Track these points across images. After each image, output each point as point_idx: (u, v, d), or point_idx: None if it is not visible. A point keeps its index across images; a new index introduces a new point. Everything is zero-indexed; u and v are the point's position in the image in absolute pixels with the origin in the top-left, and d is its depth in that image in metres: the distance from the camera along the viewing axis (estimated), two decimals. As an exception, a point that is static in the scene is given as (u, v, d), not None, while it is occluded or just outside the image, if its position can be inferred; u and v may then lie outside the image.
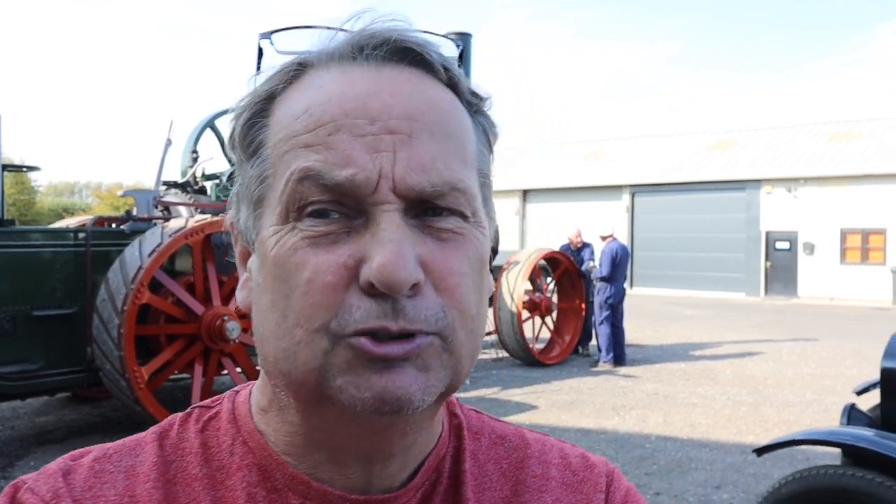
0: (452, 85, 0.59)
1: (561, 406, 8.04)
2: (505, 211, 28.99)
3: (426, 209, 0.55)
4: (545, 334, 11.52)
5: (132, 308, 6.01)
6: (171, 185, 8.23)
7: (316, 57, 0.59)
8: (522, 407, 8.01)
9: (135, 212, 7.61)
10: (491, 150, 0.64)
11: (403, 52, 0.57)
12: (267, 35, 0.63)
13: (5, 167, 6.54)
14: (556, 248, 11.57)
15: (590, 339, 11.58)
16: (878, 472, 2.92)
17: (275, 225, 0.56)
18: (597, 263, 11.04)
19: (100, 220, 7.54)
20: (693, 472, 5.84)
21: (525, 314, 10.73)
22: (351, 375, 0.52)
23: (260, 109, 0.59)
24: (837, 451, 3.41)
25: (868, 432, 3.11)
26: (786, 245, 23.93)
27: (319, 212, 0.54)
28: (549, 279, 11.42)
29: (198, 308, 6.50)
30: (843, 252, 23.25)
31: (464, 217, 0.56)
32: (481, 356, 11.29)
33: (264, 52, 0.64)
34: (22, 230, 6.59)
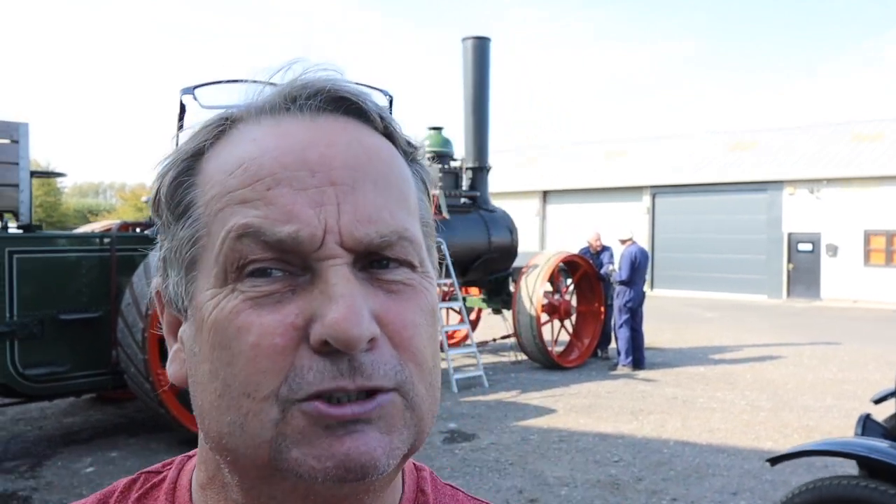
0: (388, 134, 0.58)
1: (579, 410, 8.06)
2: (525, 212, 28.94)
3: (372, 261, 0.53)
4: (564, 337, 11.53)
5: (156, 312, 6.11)
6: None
7: (245, 110, 0.56)
8: (541, 410, 8.04)
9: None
10: (429, 199, 0.62)
11: (338, 102, 0.56)
12: (189, 90, 0.61)
13: (33, 173, 6.69)
14: (576, 251, 11.59)
15: (609, 342, 11.58)
16: (891, 485, 2.93)
17: (212, 288, 0.52)
18: (616, 267, 11.04)
19: (124, 225, 7.67)
20: (710, 478, 5.85)
21: (544, 317, 10.75)
22: (307, 446, 0.49)
23: (186, 168, 0.56)
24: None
25: (883, 444, 3.12)
26: (808, 247, 23.69)
27: (261, 270, 0.51)
28: (568, 282, 11.43)
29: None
30: (867, 254, 22.98)
31: (412, 267, 0.54)
32: (500, 359, 11.36)
33: (187, 107, 0.62)
34: (49, 235, 6.74)
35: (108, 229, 7.84)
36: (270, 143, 0.53)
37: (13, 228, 6.87)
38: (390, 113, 0.60)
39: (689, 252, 25.79)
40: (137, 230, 7.63)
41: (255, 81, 0.57)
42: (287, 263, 0.51)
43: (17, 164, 6.28)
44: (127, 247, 6.80)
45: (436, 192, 10.53)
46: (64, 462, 6.20)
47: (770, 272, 24.15)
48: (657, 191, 26.61)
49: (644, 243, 25.90)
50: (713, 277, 25.31)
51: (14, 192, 6.31)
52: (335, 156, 0.53)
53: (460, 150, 11.78)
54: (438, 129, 11.62)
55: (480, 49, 11.52)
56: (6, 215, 6.58)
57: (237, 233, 0.51)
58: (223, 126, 0.57)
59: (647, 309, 18.10)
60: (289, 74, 0.57)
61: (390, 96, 0.64)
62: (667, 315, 18.17)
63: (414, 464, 0.68)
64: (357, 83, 0.58)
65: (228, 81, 0.59)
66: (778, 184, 24.04)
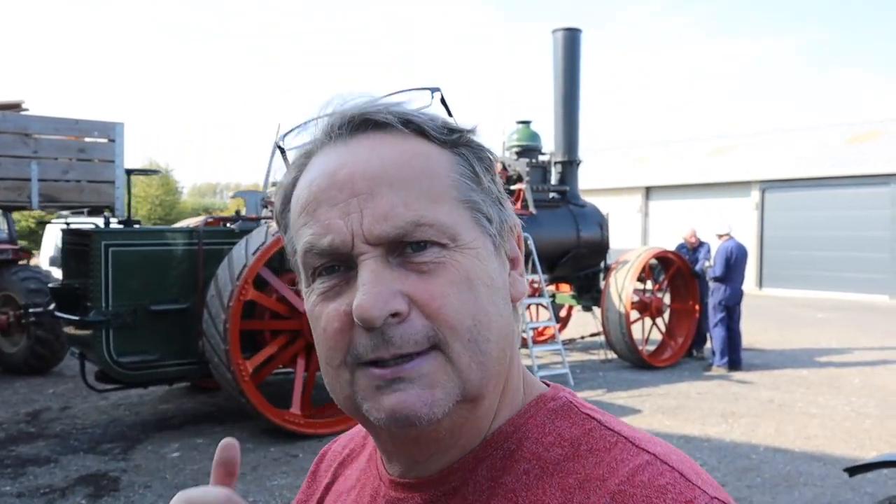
0: (420, 132, 0.68)
1: (666, 411, 7.75)
2: (627, 209, 28.24)
3: (406, 247, 0.64)
4: (657, 336, 11.13)
5: (237, 304, 6.31)
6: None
7: (312, 147, 0.71)
8: (625, 410, 7.78)
9: (244, 212, 7.99)
10: (487, 171, 0.71)
11: (364, 123, 0.68)
12: (282, 137, 0.76)
13: (128, 171, 7.04)
14: (673, 247, 11.17)
15: (704, 341, 11.08)
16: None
17: (305, 287, 0.70)
18: (711, 263, 10.56)
19: (213, 221, 7.96)
20: (801, 488, 5.47)
21: (634, 315, 10.42)
22: (369, 400, 0.64)
23: (284, 197, 0.72)
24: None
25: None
26: (937, 244, 21.93)
27: (327, 269, 0.66)
28: (661, 279, 11.02)
29: (300, 305, 6.73)
30: None
31: (441, 246, 0.64)
32: (590, 357, 11.10)
33: (285, 149, 0.76)
34: (143, 230, 7.08)
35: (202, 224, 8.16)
36: (316, 172, 0.68)
37: (114, 223, 7.27)
38: (443, 105, 0.73)
39: (802, 249, 24.38)
40: (227, 225, 7.90)
41: (318, 118, 0.71)
42: (340, 262, 0.65)
43: (112, 161, 6.63)
44: (214, 241, 7.05)
45: (522, 186, 10.39)
46: (154, 446, 6.50)
47: (893, 271, 22.50)
48: (766, 186, 25.30)
49: (752, 240, 24.71)
50: (829, 276, 23.83)
51: (111, 188, 6.67)
52: (356, 171, 0.65)
53: (549, 145, 11.57)
54: (527, 122, 11.45)
55: (571, 40, 11.27)
56: (106, 211, 6.97)
57: (303, 249, 0.67)
58: (304, 162, 0.71)
59: (753, 308, 17.30)
60: (329, 109, 0.70)
61: (436, 90, 0.73)
62: (773, 315, 17.25)
63: (541, 399, 0.73)
64: (395, 92, 0.71)
65: (298, 126, 0.73)
66: (902, 176, 22.37)
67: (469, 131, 0.71)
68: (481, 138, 0.72)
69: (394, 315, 0.62)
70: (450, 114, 0.73)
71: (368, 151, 0.66)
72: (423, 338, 0.62)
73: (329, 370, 0.67)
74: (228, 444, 0.70)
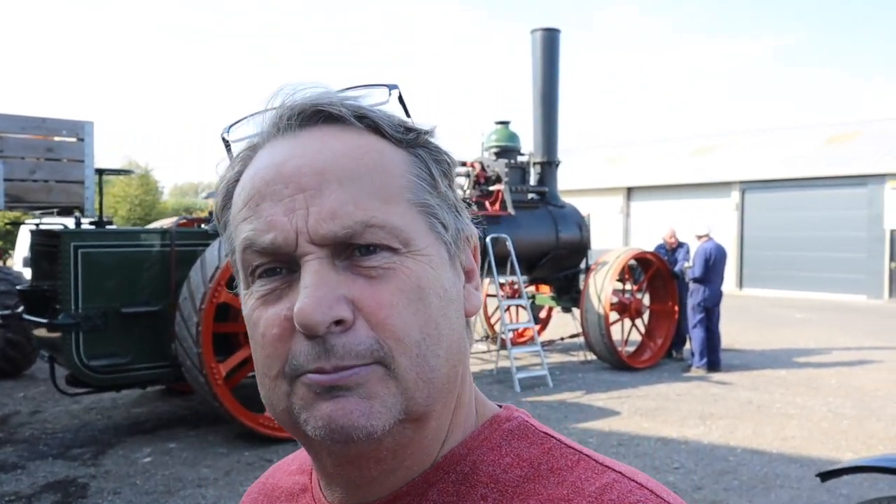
0: (375, 129, 0.63)
1: (644, 413, 7.73)
2: (608, 209, 28.32)
3: (355, 249, 0.59)
4: (636, 337, 11.13)
5: (210, 306, 6.21)
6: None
7: (258, 139, 0.66)
8: (604, 412, 7.76)
9: (218, 213, 7.86)
10: (445, 175, 0.66)
11: (315, 115, 0.63)
12: (227, 129, 0.70)
13: (98, 171, 6.91)
14: (652, 248, 11.17)
15: (684, 342, 11.11)
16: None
17: (244, 290, 0.64)
18: (690, 264, 10.57)
19: (185, 221, 7.84)
20: (777, 490, 5.46)
21: (613, 316, 10.41)
22: (307, 410, 0.58)
23: (226, 193, 0.67)
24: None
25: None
26: (914, 244, 22.16)
27: (267, 271, 0.60)
28: (640, 280, 11.01)
29: (275, 307, 6.64)
30: (980, 252, 21.31)
31: (392, 250, 0.59)
32: (570, 358, 11.07)
33: (230, 142, 0.70)
34: (113, 231, 6.94)
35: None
36: (262, 164, 0.62)
37: (87, 224, 7.12)
38: (401, 103, 0.67)
39: (781, 250, 24.57)
40: (200, 226, 7.78)
41: (262, 111, 0.65)
42: (282, 263, 0.60)
43: (82, 161, 6.50)
44: (187, 242, 6.93)
45: (500, 187, 10.34)
46: (125, 451, 6.38)
47: (870, 272, 22.72)
48: (746, 186, 25.47)
49: (732, 241, 24.87)
50: (807, 277, 24.03)
51: (80, 188, 6.54)
52: (304, 164, 0.60)
53: (528, 145, 11.53)
54: (505, 123, 11.41)
55: (549, 41, 11.24)
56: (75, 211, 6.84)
57: (242, 245, 0.61)
58: (249, 155, 0.66)
59: (733, 309, 17.37)
60: (277, 100, 0.65)
61: (394, 88, 0.67)
62: (753, 315, 17.34)
63: (495, 420, 0.69)
64: (350, 87, 0.66)
65: (245, 118, 0.67)
66: (879, 177, 22.57)
67: (426, 132, 0.66)
68: (440, 140, 0.68)
69: (337, 323, 0.57)
70: (407, 113, 0.67)
71: (319, 144, 0.61)
72: (366, 350, 0.57)
73: (266, 381, 0.61)
74: None
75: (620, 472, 0.62)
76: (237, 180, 0.65)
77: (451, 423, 0.66)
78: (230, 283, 6.40)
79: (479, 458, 0.65)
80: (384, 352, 0.58)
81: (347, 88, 0.66)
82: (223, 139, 0.70)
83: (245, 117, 0.68)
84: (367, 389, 0.57)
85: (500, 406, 0.73)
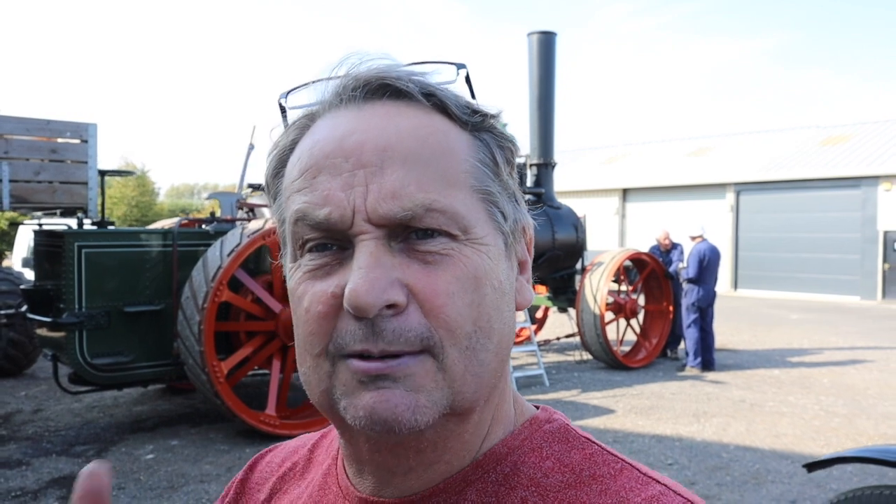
0: (441, 108, 0.61)
1: (639, 411, 7.84)
2: (604, 210, 28.45)
3: (412, 232, 0.57)
4: (631, 337, 11.24)
5: (212, 305, 6.30)
6: (255, 187, 8.57)
7: (318, 108, 0.63)
8: (599, 410, 7.86)
9: (219, 214, 7.96)
10: (508, 163, 0.64)
11: (382, 89, 0.61)
12: (284, 95, 0.68)
13: (101, 172, 7.00)
14: (646, 249, 11.28)
15: (678, 342, 11.23)
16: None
17: (290, 262, 0.62)
18: (684, 264, 10.70)
19: (187, 222, 7.92)
20: (769, 485, 5.57)
21: (609, 316, 10.52)
22: (348, 397, 0.57)
23: (279, 161, 0.65)
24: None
25: (927, 451, 2.89)
26: (906, 246, 22.33)
27: (318, 246, 0.59)
28: (635, 280, 11.13)
29: (275, 306, 6.73)
30: (972, 253, 21.49)
31: (451, 236, 0.57)
32: (566, 358, 11.18)
33: (286, 109, 0.68)
34: (116, 231, 7.02)
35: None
36: (321, 135, 0.60)
37: (88, 224, 7.21)
38: (467, 84, 0.64)
39: (776, 251, 24.73)
40: (202, 226, 7.86)
41: (326, 79, 0.63)
42: (334, 240, 0.58)
43: (86, 162, 6.59)
44: (188, 242, 7.03)
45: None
46: (127, 448, 6.46)
47: (864, 273, 22.88)
48: (741, 188, 25.62)
49: (727, 242, 25.03)
50: (802, 278, 24.18)
51: (83, 189, 6.63)
52: (367, 140, 0.58)
53: (525, 147, 11.63)
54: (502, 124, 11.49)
55: (546, 44, 11.34)
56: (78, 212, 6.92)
57: (294, 217, 0.59)
58: (305, 124, 0.64)
59: (728, 309, 17.53)
60: (342, 69, 0.62)
61: (462, 67, 0.65)
62: (747, 316, 17.47)
63: (535, 420, 0.68)
64: (418, 63, 0.63)
65: (306, 84, 0.65)
66: (873, 179, 22.75)
67: (493, 116, 0.64)
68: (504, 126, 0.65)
69: (390, 306, 0.55)
70: (473, 95, 0.64)
71: (383, 120, 0.59)
72: (416, 337, 0.55)
73: (307, 358, 0.59)
74: (93, 472, 0.58)
75: (665, 485, 0.61)
76: (292, 149, 0.63)
77: (493, 420, 0.65)
78: (232, 283, 6.50)
79: (520, 459, 0.63)
80: (434, 341, 0.56)
81: (415, 63, 0.63)
82: (280, 105, 0.67)
83: (306, 83, 0.65)
84: (413, 381, 0.55)
85: (537, 407, 0.71)
